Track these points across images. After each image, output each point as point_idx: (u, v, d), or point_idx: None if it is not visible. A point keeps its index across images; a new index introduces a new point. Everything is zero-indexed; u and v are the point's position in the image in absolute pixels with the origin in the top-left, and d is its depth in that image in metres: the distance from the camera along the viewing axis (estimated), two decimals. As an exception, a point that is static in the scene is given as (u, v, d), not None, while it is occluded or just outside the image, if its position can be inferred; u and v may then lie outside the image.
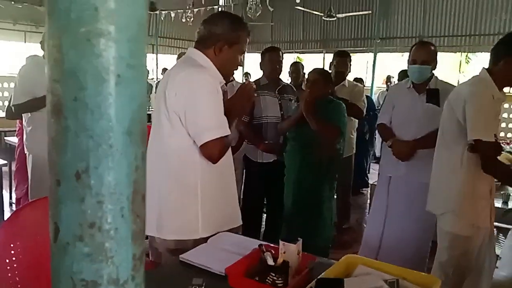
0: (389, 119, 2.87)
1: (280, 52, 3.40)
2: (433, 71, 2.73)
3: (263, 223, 3.71)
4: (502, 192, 3.29)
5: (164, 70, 8.81)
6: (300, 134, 3.02)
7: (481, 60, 12.15)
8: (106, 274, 0.37)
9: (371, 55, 9.07)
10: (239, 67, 2.00)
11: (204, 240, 1.77)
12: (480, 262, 2.22)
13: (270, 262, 1.39)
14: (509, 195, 3.22)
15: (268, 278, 1.37)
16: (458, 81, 10.06)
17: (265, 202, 3.62)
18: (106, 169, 0.35)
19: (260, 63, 3.46)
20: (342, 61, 3.85)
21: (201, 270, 1.53)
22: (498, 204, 3.14)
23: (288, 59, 11.18)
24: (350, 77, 5.70)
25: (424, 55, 2.64)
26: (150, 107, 4.94)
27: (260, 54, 3.53)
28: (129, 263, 0.38)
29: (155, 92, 2.06)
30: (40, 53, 3.19)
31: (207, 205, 1.81)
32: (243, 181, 3.67)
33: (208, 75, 1.75)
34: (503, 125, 7.99)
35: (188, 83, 1.72)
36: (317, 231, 2.99)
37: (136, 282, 0.39)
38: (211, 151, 1.73)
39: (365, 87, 7.46)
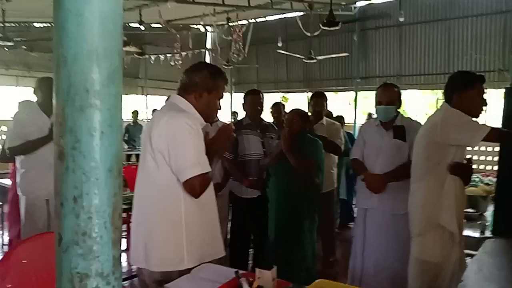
0: (361, 154, 3.07)
1: (261, 94, 3.63)
2: (398, 110, 2.98)
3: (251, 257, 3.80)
4: (479, 222, 3.46)
5: (154, 110, 9.06)
6: (280, 170, 3.19)
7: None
8: (94, 269, 0.53)
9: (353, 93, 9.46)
10: (220, 109, 2.20)
11: (189, 271, 1.90)
12: (453, 281, 2.35)
13: (246, 287, 1.53)
14: (485, 225, 3.39)
15: (243, 302, 1.50)
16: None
17: (252, 237, 3.73)
18: (94, 195, 0.53)
19: (243, 104, 3.67)
20: (319, 101, 4.09)
21: (183, 298, 1.65)
22: (476, 234, 3.30)
23: (273, 98, 11.54)
24: (334, 113, 6.00)
25: (388, 97, 2.89)
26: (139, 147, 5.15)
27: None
28: (110, 262, 0.55)
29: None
30: (33, 98, 3.36)
31: (192, 237, 1.95)
32: (230, 217, 3.79)
33: (188, 118, 1.93)
34: (482, 157, 8.29)
35: (170, 126, 1.90)
36: (299, 264, 3.10)
37: (115, 276, 0.56)
38: (193, 187, 1.89)
39: (347, 124, 7.75)
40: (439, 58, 8.44)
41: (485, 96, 2.42)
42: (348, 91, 9.98)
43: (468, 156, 2.51)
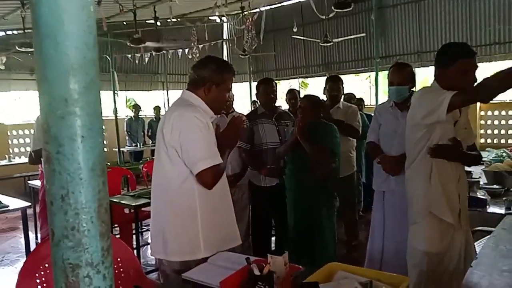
0: (376, 137, 3.05)
1: (273, 83, 3.65)
2: (413, 89, 2.93)
3: (273, 244, 3.87)
4: (504, 198, 3.40)
5: (157, 108, 9.26)
6: (296, 157, 3.22)
7: (481, 69, 12.22)
8: (84, 259, 0.59)
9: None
10: (231, 101, 2.25)
11: (206, 260, 1.97)
12: (460, 266, 2.27)
13: (257, 272, 1.58)
14: (511, 201, 3.32)
15: (256, 286, 1.55)
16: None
17: (273, 225, 3.79)
18: (79, 193, 0.58)
19: (256, 94, 3.71)
20: (334, 85, 4.07)
21: (201, 285, 1.73)
22: (501, 210, 3.25)
23: (293, 85, 11.44)
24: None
25: (399, 77, 2.85)
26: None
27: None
28: (99, 252, 0.60)
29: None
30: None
31: (207, 227, 2.02)
32: (250, 205, 3.86)
33: (197, 112, 1.99)
34: (510, 132, 8.03)
35: (181, 121, 1.97)
36: (319, 249, 3.14)
37: (105, 265, 0.61)
38: (205, 179, 1.95)
39: (368, 106, 7.64)
40: (460, 32, 8.18)
41: (475, 71, 2.16)
42: (368, 72, 9.82)
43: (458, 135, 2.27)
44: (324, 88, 4.23)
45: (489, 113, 8.23)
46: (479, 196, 3.35)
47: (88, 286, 0.59)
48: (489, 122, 8.23)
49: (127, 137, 9.39)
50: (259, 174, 3.55)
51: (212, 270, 1.85)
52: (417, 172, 2.32)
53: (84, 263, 0.59)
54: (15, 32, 8.06)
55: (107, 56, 9.12)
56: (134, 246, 3.83)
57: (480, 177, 4.03)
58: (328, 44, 7.69)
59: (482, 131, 8.30)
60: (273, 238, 3.89)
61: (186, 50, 9.22)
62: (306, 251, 3.10)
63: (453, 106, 2.05)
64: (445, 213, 2.24)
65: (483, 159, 6.23)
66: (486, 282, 1.61)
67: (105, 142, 8.62)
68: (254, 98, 10.84)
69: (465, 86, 2.09)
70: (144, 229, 4.95)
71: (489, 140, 8.18)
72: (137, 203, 3.64)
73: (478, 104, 8.49)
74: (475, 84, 2.07)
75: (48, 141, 0.58)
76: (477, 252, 2.21)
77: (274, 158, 3.51)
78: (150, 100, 11.51)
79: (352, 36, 8.35)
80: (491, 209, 3.27)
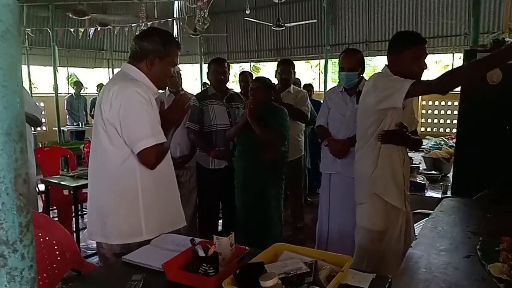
0: (326, 121, 3.09)
1: (225, 63, 3.56)
2: (362, 75, 2.98)
3: (220, 227, 3.84)
4: (441, 183, 3.60)
5: (100, 85, 8.80)
6: (246, 139, 3.19)
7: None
8: (-3, 236, 0.51)
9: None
10: (173, 77, 2.13)
11: (148, 242, 1.89)
12: (399, 246, 2.38)
13: (201, 253, 1.53)
14: (447, 186, 3.53)
15: (201, 268, 1.51)
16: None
17: (221, 207, 3.75)
18: (-9, 160, 0.50)
19: (207, 73, 3.60)
20: (286, 69, 4.06)
21: (142, 268, 1.65)
22: (438, 194, 3.43)
23: (244, 68, 11.37)
24: (303, 81, 6.01)
25: (349, 63, 2.88)
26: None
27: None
28: (16, 229, 0.53)
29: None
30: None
31: (149, 209, 1.92)
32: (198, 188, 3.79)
33: (139, 87, 1.85)
34: (448, 121, 8.53)
35: (120, 96, 1.82)
36: (267, 230, 3.15)
37: (24, 243, 0.54)
38: (147, 159, 1.84)
39: (316, 92, 7.77)
40: (406, 24, 8.51)
41: (425, 58, 2.23)
42: (318, 58, 9.97)
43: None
44: (276, 71, 4.20)
45: (430, 103, 8.67)
46: (418, 181, 3.54)
47: (3, 267, 0.52)
48: (429, 111, 8.67)
49: (67, 116, 8.89)
50: (207, 156, 3.48)
51: (154, 252, 1.78)
52: (366, 155, 2.37)
53: (-3, 240, 0.51)
54: None
55: (48, 29, 8.52)
56: (74, 229, 3.65)
57: (420, 163, 4.26)
58: (281, 29, 7.68)
59: (423, 120, 8.74)
60: (220, 221, 3.86)
61: (134, 27, 8.83)
62: (253, 233, 3.10)
63: (411, 94, 2.09)
64: (392, 196, 2.33)
65: (423, 146, 6.62)
66: (425, 261, 1.67)
67: (44, 120, 8.12)
68: (205, 80, 10.66)
69: (415, 73, 2.15)
70: (84, 212, 4.73)
71: (429, 129, 8.63)
72: (76, 184, 3.46)
73: (420, 94, 8.91)
74: (438, 76, 2.05)
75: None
76: (416, 233, 2.32)
77: (223, 140, 3.44)
78: (94, 78, 10.97)
79: (304, 22, 8.40)
80: (429, 193, 3.46)
